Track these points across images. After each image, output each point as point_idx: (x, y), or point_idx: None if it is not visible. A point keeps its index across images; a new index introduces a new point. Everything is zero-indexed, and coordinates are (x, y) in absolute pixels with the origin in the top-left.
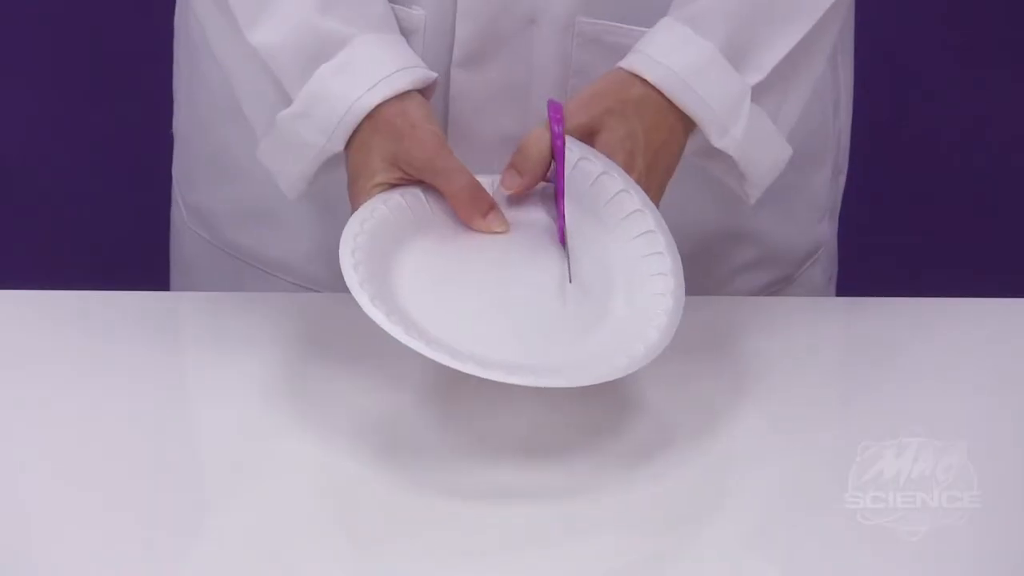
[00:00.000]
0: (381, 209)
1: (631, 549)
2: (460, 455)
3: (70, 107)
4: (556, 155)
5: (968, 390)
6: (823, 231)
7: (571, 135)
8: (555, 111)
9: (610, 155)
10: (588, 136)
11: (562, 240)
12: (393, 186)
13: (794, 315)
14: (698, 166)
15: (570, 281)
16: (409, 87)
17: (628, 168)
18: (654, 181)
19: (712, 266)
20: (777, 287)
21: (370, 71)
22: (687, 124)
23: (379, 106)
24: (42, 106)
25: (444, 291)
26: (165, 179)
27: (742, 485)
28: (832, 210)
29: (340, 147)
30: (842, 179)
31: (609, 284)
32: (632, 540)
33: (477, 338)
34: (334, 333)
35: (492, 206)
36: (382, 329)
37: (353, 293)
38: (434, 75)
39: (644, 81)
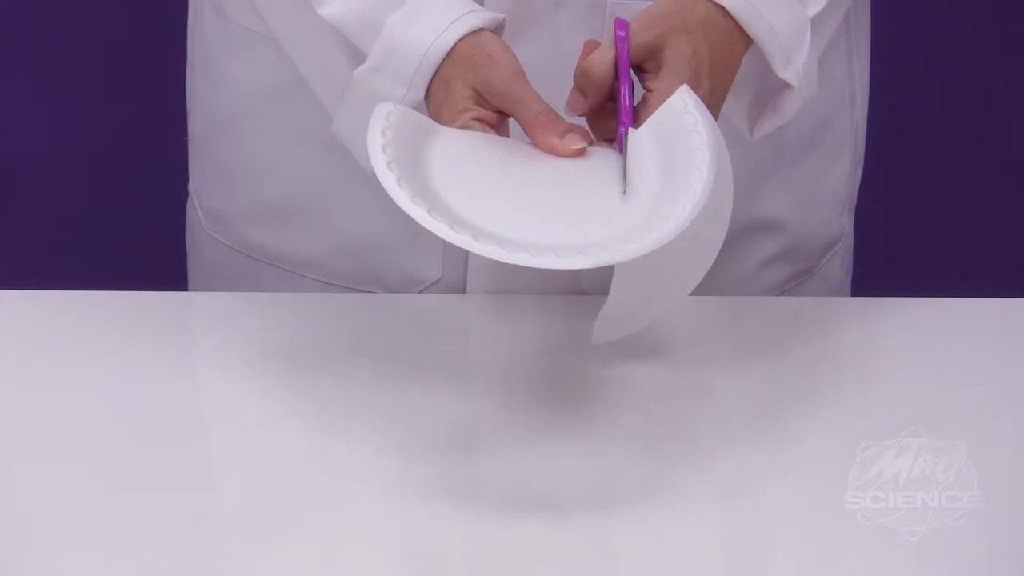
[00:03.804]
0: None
1: (628, 545)
2: (488, 454)
3: (83, 114)
4: (620, 73)
5: (968, 390)
6: (843, 223)
7: (635, 52)
8: (620, 28)
9: (675, 73)
10: (652, 54)
11: (620, 148)
12: (476, 119)
13: (793, 316)
14: None
15: (623, 192)
16: (481, 25)
17: (694, 86)
18: (716, 102)
19: (740, 258)
20: (799, 280)
21: (440, 15)
22: (746, 48)
23: (454, 45)
24: (48, 111)
25: (475, 171)
26: (177, 187)
27: (741, 484)
28: (850, 203)
29: (421, 95)
30: (859, 172)
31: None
32: (629, 536)
33: (522, 221)
34: (350, 333)
35: (570, 129)
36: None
37: (384, 184)
38: (502, 16)
39: (709, 1)
